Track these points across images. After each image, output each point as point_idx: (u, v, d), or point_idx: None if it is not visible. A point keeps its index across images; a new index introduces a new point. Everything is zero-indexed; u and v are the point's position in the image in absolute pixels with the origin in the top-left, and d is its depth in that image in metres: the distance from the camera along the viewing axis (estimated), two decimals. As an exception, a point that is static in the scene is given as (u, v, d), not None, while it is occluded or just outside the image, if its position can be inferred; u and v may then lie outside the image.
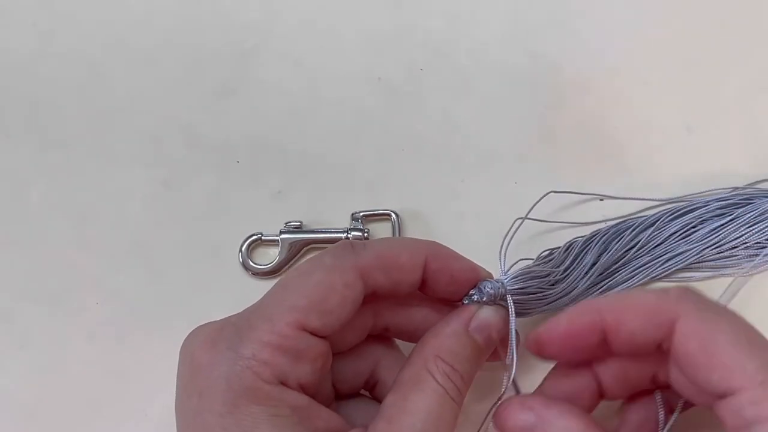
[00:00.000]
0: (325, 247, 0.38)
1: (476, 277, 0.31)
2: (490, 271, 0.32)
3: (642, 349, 0.27)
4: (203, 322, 0.30)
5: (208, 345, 0.27)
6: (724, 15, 0.43)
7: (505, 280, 0.31)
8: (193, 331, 0.29)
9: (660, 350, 0.27)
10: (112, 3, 0.44)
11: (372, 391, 0.32)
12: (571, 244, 0.37)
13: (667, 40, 0.43)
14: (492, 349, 0.30)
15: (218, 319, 0.30)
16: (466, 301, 0.31)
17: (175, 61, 0.43)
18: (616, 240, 0.37)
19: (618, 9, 0.44)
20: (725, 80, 0.42)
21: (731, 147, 0.40)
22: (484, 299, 0.30)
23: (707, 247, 0.37)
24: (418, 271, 0.30)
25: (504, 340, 0.31)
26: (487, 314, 0.30)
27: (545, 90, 0.42)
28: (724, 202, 0.38)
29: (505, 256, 0.33)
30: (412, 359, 0.29)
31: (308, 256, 0.39)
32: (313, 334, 0.27)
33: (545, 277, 0.34)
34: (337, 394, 0.31)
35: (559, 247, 0.37)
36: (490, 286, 0.31)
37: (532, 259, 0.36)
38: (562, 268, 0.35)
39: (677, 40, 0.43)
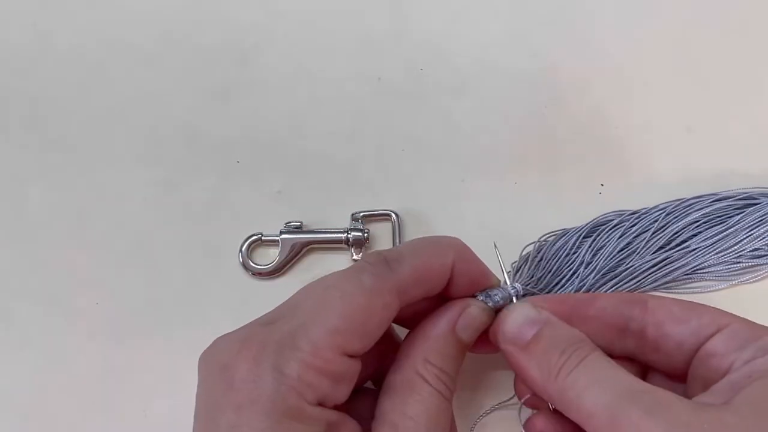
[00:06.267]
0: (325, 248, 0.39)
1: (486, 282, 0.31)
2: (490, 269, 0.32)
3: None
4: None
5: (249, 361, 0.27)
6: (725, 15, 0.43)
7: (511, 290, 0.31)
8: (217, 341, 0.29)
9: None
10: (112, 3, 0.44)
11: (379, 382, 0.32)
12: (552, 239, 0.37)
13: (667, 40, 0.43)
14: (474, 341, 0.31)
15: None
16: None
17: (175, 61, 0.43)
18: (614, 243, 0.37)
19: (618, 9, 0.44)
20: (725, 80, 0.42)
21: (731, 147, 0.40)
22: (490, 305, 0.31)
23: (709, 254, 0.37)
24: (447, 276, 0.30)
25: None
26: (475, 313, 0.30)
27: (545, 90, 0.42)
28: (725, 203, 0.38)
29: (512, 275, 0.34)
30: (402, 363, 0.29)
31: (309, 257, 0.39)
32: (352, 356, 0.28)
33: (542, 278, 0.34)
34: None
35: (542, 242, 0.37)
36: (499, 296, 0.31)
37: (535, 242, 0.37)
38: (553, 267, 0.36)
39: (677, 40, 0.43)
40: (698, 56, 0.42)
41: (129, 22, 0.44)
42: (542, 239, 0.37)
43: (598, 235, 0.37)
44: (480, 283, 0.31)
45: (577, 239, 0.37)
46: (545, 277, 0.36)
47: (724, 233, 0.37)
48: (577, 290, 0.36)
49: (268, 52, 0.43)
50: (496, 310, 0.31)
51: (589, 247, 0.37)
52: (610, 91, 0.42)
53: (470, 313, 0.30)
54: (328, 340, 0.27)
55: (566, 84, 0.42)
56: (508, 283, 0.31)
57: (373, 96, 0.42)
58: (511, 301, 0.31)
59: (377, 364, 0.32)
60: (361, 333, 0.28)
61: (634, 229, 0.37)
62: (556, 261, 0.37)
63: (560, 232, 0.38)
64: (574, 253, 0.37)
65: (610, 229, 0.37)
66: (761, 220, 0.37)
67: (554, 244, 0.37)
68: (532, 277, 0.35)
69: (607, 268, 0.36)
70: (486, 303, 0.31)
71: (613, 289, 0.36)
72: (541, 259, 0.36)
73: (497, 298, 0.31)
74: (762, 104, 0.42)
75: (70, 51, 0.43)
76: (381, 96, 0.42)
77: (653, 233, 0.37)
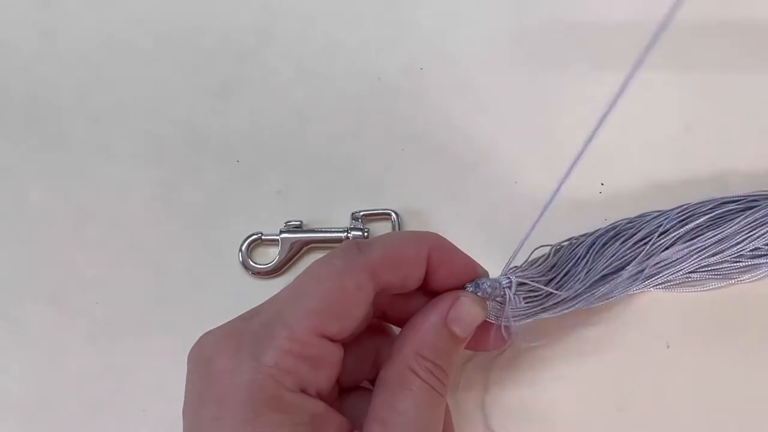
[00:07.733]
0: (325, 247, 0.39)
1: (474, 273, 0.31)
2: (489, 269, 0.32)
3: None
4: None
5: (228, 352, 0.27)
6: (724, 15, 0.43)
7: (504, 281, 0.31)
8: (203, 336, 0.29)
9: None
10: (112, 3, 0.44)
11: (375, 381, 0.32)
12: (567, 244, 0.37)
13: (667, 39, 0.43)
14: (469, 337, 0.31)
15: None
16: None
17: (175, 61, 0.43)
18: (615, 244, 0.37)
19: (618, 9, 0.44)
20: (725, 80, 0.42)
21: (731, 147, 0.40)
22: (480, 294, 0.31)
23: (709, 255, 0.37)
24: (423, 265, 0.30)
25: (487, 329, 0.32)
26: (466, 306, 0.30)
27: (545, 90, 0.42)
28: (728, 208, 0.38)
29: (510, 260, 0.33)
30: (394, 357, 0.29)
31: (309, 256, 0.39)
32: (330, 339, 0.28)
33: (545, 281, 0.34)
34: (340, 388, 0.31)
35: (554, 245, 0.37)
36: (488, 284, 0.31)
37: (550, 245, 0.36)
38: (562, 272, 0.35)
39: (677, 39, 0.43)
40: (698, 56, 0.42)
41: (129, 21, 0.44)
42: (557, 245, 0.37)
43: (606, 242, 0.37)
44: (466, 275, 0.31)
45: (583, 245, 0.37)
46: (554, 277, 0.36)
47: (725, 233, 0.37)
48: (576, 292, 0.35)
49: (268, 52, 0.43)
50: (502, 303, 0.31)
51: (593, 251, 0.36)
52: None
53: (460, 304, 0.30)
54: (304, 323, 0.27)
55: (566, 84, 0.42)
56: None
57: (373, 96, 0.42)
58: (503, 289, 0.31)
59: (374, 363, 0.32)
60: (337, 313, 0.28)
61: (638, 234, 0.37)
62: (564, 265, 0.36)
63: (572, 239, 0.37)
64: (581, 259, 0.37)
65: (613, 236, 0.37)
66: (761, 220, 0.37)
67: (571, 250, 0.37)
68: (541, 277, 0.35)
69: (610, 270, 0.36)
70: (476, 293, 0.31)
71: (612, 288, 0.36)
72: (554, 265, 0.36)
73: (485, 286, 0.31)
74: (762, 104, 0.42)
75: (70, 51, 0.43)
76: (381, 96, 0.42)
77: (659, 235, 0.37)
